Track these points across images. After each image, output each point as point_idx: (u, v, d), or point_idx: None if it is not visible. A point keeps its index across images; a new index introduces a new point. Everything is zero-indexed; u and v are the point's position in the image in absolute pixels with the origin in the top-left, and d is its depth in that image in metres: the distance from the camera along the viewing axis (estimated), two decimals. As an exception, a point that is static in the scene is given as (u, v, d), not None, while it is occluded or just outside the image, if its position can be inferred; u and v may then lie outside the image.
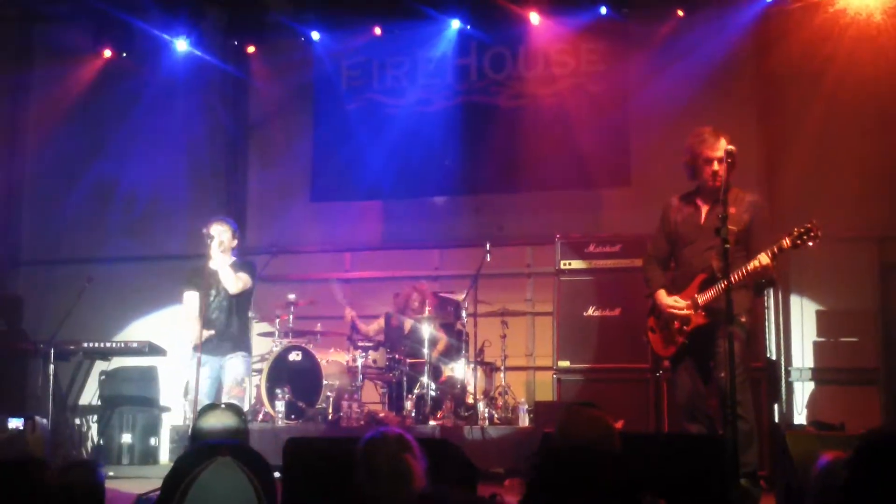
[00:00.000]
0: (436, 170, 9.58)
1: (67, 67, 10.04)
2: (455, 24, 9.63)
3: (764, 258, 5.12)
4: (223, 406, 3.96)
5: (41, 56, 10.38)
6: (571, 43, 9.50)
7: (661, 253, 5.76)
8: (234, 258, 7.00)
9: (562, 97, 9.51)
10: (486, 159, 9.59)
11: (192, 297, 6.85)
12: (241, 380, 6.92)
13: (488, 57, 9.81)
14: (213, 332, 6.78)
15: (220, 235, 6.88)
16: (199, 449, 3.15)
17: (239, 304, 6.93)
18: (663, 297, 5.58)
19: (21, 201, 10.25)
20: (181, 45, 9.79)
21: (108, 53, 9.93)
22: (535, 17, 9.40)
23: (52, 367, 7.72)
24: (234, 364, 6.86)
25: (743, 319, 5.26)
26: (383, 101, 9.98)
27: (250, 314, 7.31)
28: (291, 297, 8.30)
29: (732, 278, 4.91)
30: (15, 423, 5.37)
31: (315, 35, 9.91)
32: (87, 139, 10.04)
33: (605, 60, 9.44)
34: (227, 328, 6.86)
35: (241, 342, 6.96)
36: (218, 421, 3.81)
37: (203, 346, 6.57)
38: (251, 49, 10.09)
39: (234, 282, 6.82)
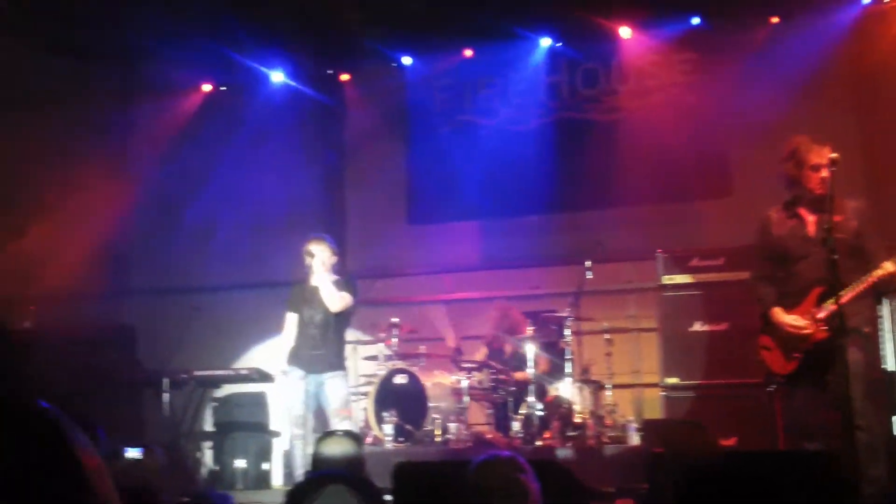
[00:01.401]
0: (531, 188, 9.57)
1: (169, 102, 10.35)
2: (545, 42, 9.65)
3: (890, 265, 4.96)
4: (340, 433, 4.01)
5: (143, 92, 10.70)
6: (663, 55, 9.42)
7: (766, 271, 5.62)
8: (335, 276, 7.01)
9: (656, 109, 9.43)
10: (581, 175, 9.55)
11: (291, 319, 6.97)
12: (347, 400, 6.98)
13: (580, 73, 9.79)
14: (312, 350, 6.82)
15: (320, 253, 6.90)
16: (311, 478, 3.21)
17: (339, 323, 6.96)
18: (780, 315, 5.42)
19: (129, 233, 10.54)
20: (277, 76, 10.02)
21: (207, 87, 10.22)
22: (625, 32, 9.36)
23: (166, 395, 7.91)
24: (336, 384, 6.86)
25: (866, 330, 5.11)
26: (476, 121, 10.03)
27: (358, 336, 7.37)
28: (395, 320, 8.37)
29: (854, 288, 4.78)
30: (132, 453, 5.51)
31: (407, 60, 10.04)
32: (190, 171, 10.30)
33: (699, 70, 9.34)
34: (325, 346, 6.87)
35: (340, 361, 6.98)
36: (336, 448, 3.86)
37: (301, 362, 6.71)
38: (345, 77, 10.27)
39: (337, 300, 6.81)
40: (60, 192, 10.03)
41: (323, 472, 3.13)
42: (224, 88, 10.24)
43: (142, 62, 10.59)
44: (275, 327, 9.15)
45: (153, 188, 10.45)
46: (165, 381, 7.90)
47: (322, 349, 6.87)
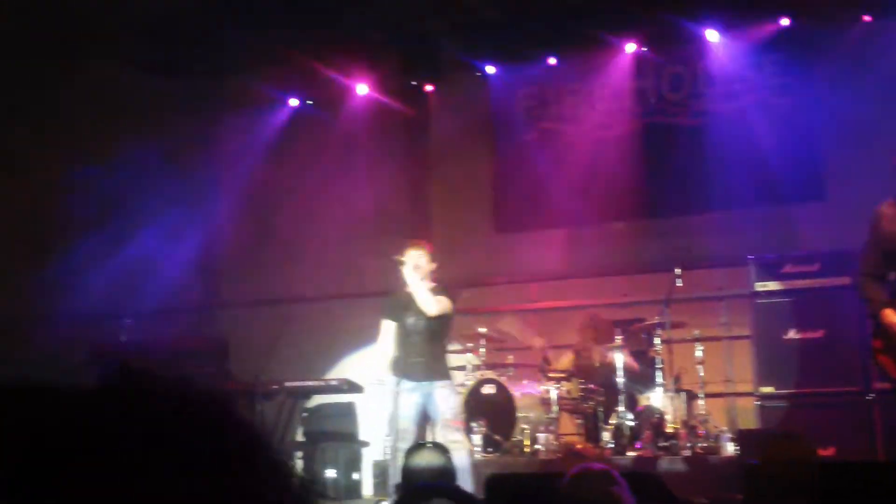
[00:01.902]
0: (618, 195, 9.47)
1: (257, 117, 10.51)
2: (630, 47, 9.55)
3: None
4: (430, 445, 4.00)
5: (230, 107, 10.89)
6: (752, 57, 9.24)
7: (878, 269, 5.44)
8: (432, 284, 6.82)
9: (745, 112, 9.25)
10: (669, 181, 9.43)
11: (388, 327, 6.82)
12: (458, 411, 6.78)
13: (666, 77, 9.67)
14: (417, 357, 6.67)
15: (417, 259, 6.74)
16: (414, 491, 3.21)
17: (441, 330, 6.81)
18: (892, 316, 5.26)
19: (220, 247, 10.74)
20: (362, 88, 10.11)
21: (294, 102, 10.37)
22: (712, 35, 9.21)
23: (258, 406, 8.02)
24: (445, 395, 6.68)
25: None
26: (561, 129, 9.98)
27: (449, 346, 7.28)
28: (482, 329, 8.36)
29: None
30: None
31: (490, 69, 10.03)
32: (279, 184, 10.44)
33: (789, 72, 9.14)
34: (429, 353, 6.71)
35: (446, 370, 6.83)
36: (425, 460, 3.85)
37: (407, 371, 6.56)
38: (429, 87, 10.31)
39: (433, 302, 6.60)
40: (154, 207, 10.28)
41: (427, 485, 3.12)
42: (310, 102, 10.37)
43: (226, 76, 10.80)
44: (363, 337, 9.25)
45: (244, 202, 10.62)
46: (257, 393, 7.99)
47: (426, 356, 6.70)
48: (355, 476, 8.55)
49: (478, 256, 9.93)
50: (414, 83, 10.30)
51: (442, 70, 10.22)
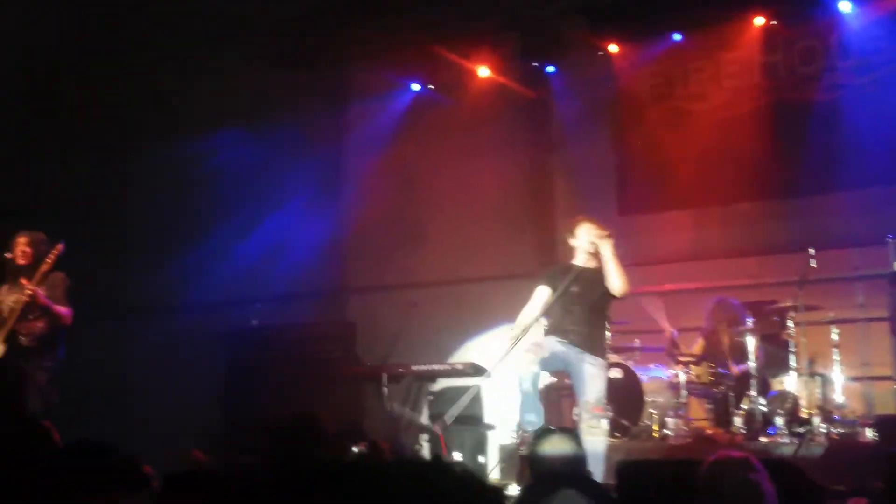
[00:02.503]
0: (748, 174, 9.21)
1: (380, 104, 10.60)
2: (759, 20, 9.25)
3: None
4: (560, 431, 3.95)
5: (355, 96, 11.01)
6: (887, 27, 8.84)
7: None
8: (595, 263, 6.67)
9: (881, 85, 8.86)
10: (801, 159, 9.10)
11: (542, 293, 6.70)
12: (602, 396, 6.49)
13: (797, 51, 9.33)
14: (575, 326, 6.52)
15: (588, 234, 6.68)
16: (543, 480, 3.18)
17: (604, 307, 6.71)
18: None
19: (346, 232, 10.88)
20: (483, 72, 10.08)
21: (416, 87, 10.42)
22: (845, 5, 8.85)
23: (385, 390, 8.11)
24: (594, 375, 6.47)
25: None
26: (688, 107, 9.74)
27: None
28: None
29: None
30: (357, 449, 5.59)
31: (613, 48, 9.86)
32: (402, 169, 10.51)
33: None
34: (589, 326, 6.57)
35: (602, 349, 6.65)
36: (555, 447, 3.80)
37: (564, 335, 6.47)
38: (551, 69, 10.21)
39: (624, 282, 6.49)
40: (283, 194, 10.49)
41: (555, 474, 3.08)
42: (432, 87, 10.41)
43: (351, 65, 10.92)
44: (488, 321, 9.27)
45: (370, 187, 10.73)
46: (385, 376, 8.09)
47: (586, 327, 6.57)
48: (481, 459, 8.57)
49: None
50: (535, 65, 10.21)
51: (564, 51, 10.11)
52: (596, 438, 6.21)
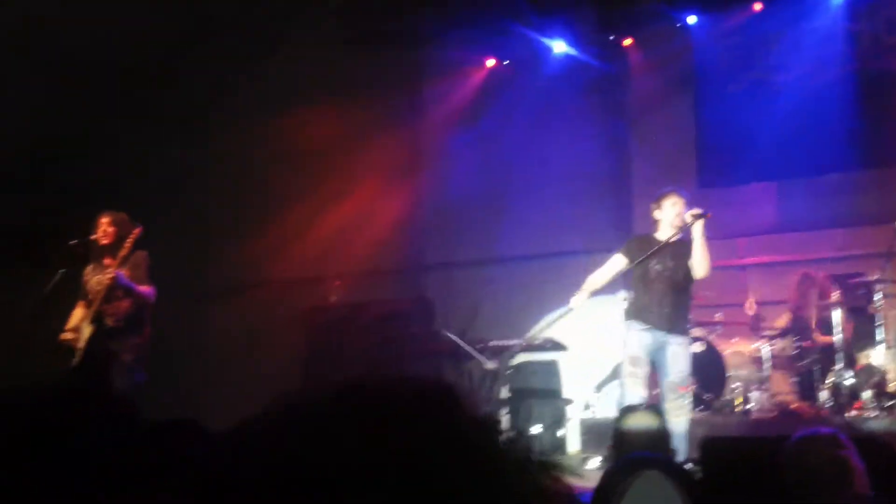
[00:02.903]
0: (832, 145, 9.00)
1: (455, 81, 10.59)
2: (843, -12, 9.02)
3: None
4: (644, 409, 3.91)
5: (430, 74, 11.02)
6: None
7: None
8: (680, 235, 6.44)
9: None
10: (889, 129, 8.87)
11: (617, 263, 6.52)
12: (687, 375, 6.31)
13: (882, 19, 9.07)
14: (659, 307, 6.30)
15: (674, 207, 6.46)
16: (625, 462, 3.15)
17: (688, 282, 6.45)
18: None
19: (424, 210, 10.91)
20: (559, 46, 10.00)
21: (491, 63, 10.38)
22: (935, -32, 8.58)
23: (464, 365, 8.15)
24: (678, 354, 6.29)
25: None
26: (769, 78, 9.54)
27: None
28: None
29: None
30: None
31: (691, 19, 9.70)
32: (478, 146, 10.48)
33: None
34: (671, 304, 6.33)
35: (685, 326, 6.43)
36: (639, 424, 3.76)
37: (643, 316, 6.29)
38: (628, 42, 10.08)
39: (707, 266, 6.31)
40: (360, 173, 10.57)
41: (637, 456, 3.05)
42: (507, 63, 10.36)
43: (426, 43, 10.92)
44: (565, 296, 9.22)
45: (444, 165, 10.74)
46: (464, 352, 8.12)
47: (667, 307, 6.33)
48: (560, 433, 8.56)
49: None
50: (612, 38, 10.09)
51: (640, 23, 9.96)
52: (680, 419, 6.10)
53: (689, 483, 3.07)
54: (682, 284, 6.42)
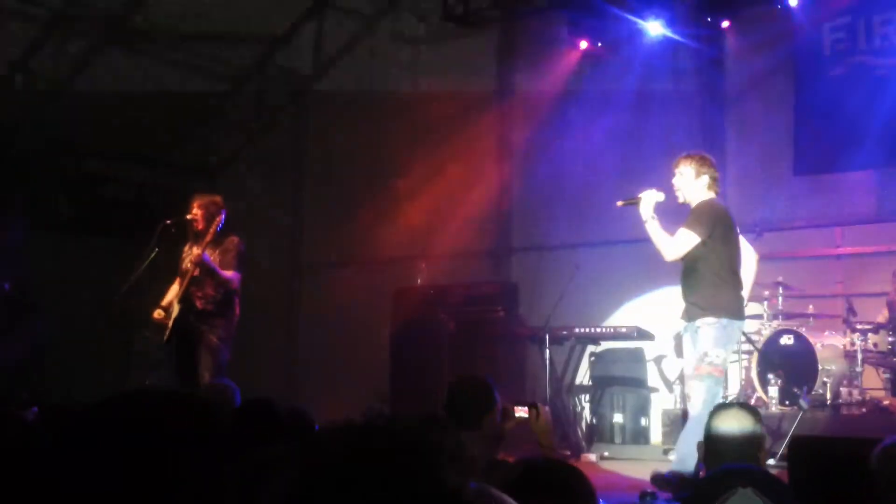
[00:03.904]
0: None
1: (547, 63, 10.48)
2: (954, -32, 8.66)
3: None
4: (738, 406, 3.79)
5: (522, 55, 10.93)
6: None
7: None
8: (693, 203, 5.89)
9: None
10: None
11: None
12: (704, 354, 5.60)
13: None
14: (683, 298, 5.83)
15: (681, 175, 5.93)
16: (716, 476, 3.05)
17: (702, 256, 5.74)
18: None
19: (512, 193, 10.87)
20: (654, 27, 9.80)
21: (584, 45, 10.24)
22: None
23: (547, 351, 8.12)
24: (703, 334, 5.65)
25: None
26: (873, 62, 9.22)
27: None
28: (779, 278, 8.00)
29: None
30: (520, 412, 5.50)
31: (793, 1, 9.41)
32: (568, 131, 10.36)
33: None
34: (687, 288, 5.81)
35: (709, 303, 5.68)
36: (732, 425, 3.64)
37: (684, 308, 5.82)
38: (725, 24, 9.84)
39: (671, 248, 5.75)
40: (452, 155, 10.57)
41: (733, 468, 2.93)
42: (600, 45, 10.20)
43: (518, 23, 10.83)
44: (649, 284, 9.12)
45: (534, 150, 10.66)
46: (546, 338, 8.09)
47: (684, 293, 5.84)
48: (643, 422, 8.49)
49: (776, 199, 9.40)
50: (709, 19, 9.85)
51: (739, 4, 9.72)
52: (693, 401, 5.62)
53: (785, 500, 2.97)
54: (696, 259, 5.77)
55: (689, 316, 5.76)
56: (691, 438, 4.97)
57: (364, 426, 1.38)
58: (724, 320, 5.63)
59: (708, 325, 5.63)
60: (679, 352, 6.20)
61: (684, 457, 5.30)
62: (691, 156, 6.02)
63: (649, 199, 5.88)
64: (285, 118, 12.43)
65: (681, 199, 5.94)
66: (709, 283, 5.72)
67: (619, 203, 6.13)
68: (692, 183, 5.90)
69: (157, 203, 10.63)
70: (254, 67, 11.65)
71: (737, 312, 5.75)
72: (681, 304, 5.91)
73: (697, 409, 5.44)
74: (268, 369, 11.05)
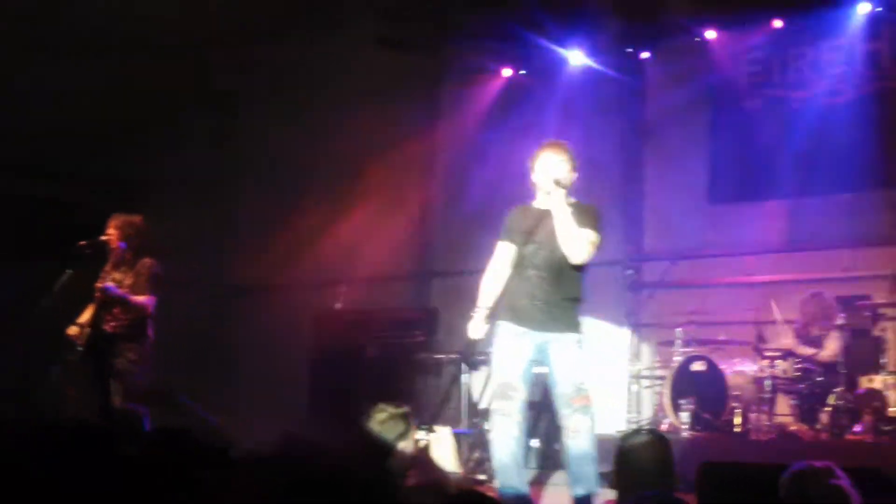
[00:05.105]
0: (846, 164, 8.97)
1: (472, 90, 10.59)
2: (863, 7, 8.97)
3: None
4: (649, 432, 3.85)
5: (448, 81, 11.02)
6: None
7: None
8: (572, 199, 5.36)
9: None
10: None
11: (505, 250, 5.44)
12: (581, 383, 5.11)
13: (903, 40, 9.04)
14: (531, 300, 5.21)
15: (554, 166, 5.31)
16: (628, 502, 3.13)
17: (570, 266, 5.22)
18: None
19: (434, 218, 10.93)
20: (576, 56, 9.99)
21: (507, 72, 10.38)
22: (955, -10, 8.55)
23: (464, 376, 8.16)
24: (569, 359, 5.12)
25: None
26: (786, 95, 9.51)
27: (652, 320, 6.22)
28: (693, 305, 8.20)
29: None
30: (421, 436, 5.42)
31: (711, 34, 9.68)
32: (491, 158, 10.45)
33: None
34: (550, 294, 5.20)
35: (571, 320, 5.22)
36: (644, 451, 3.70)
37: (516, 314, 5.23)
38: (645, 55, 10.08)
39: (579, 247, 5.14)
40: (373, 180, 10.59)
41: (643, 497, 3.00)
42: (524, 73, 10.36)
43: (446, 49, 10.93)
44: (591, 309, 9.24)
45: (458, 172, 10.74)
46: (465, 363, 8.13)
47: (544, 299, 5.20)
48: (556, 446, 8.56)
49: (691, 228, 9.65)
50: (630, 50, 10.08)
51: (659, 37, 9.95)
52: (579, 440, 5.12)
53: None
54: (560, 269, 5.22)
55: (557, 326, 5.27)
56: None
57: (286, 458, 1.42)
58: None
59: (579, 344, 5.29)
60: (500, 355, 5.44)
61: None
62: (565, 144, 5.57)
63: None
64: (210, 138, 12.34)
65: (556, 191, 5.28)
66: (577, 297, 5.35)
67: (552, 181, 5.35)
68: (569, 175, 5.42)
69: (80, 223, 10.44)
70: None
71: None
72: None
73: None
74: (186, 393, 10.92)
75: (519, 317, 5.29)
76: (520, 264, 5.37)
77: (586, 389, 5.18)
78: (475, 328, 5.39)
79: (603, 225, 5.45)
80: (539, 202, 5.48)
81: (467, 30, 10.27)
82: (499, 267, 5.49)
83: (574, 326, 5.29)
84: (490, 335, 5.45)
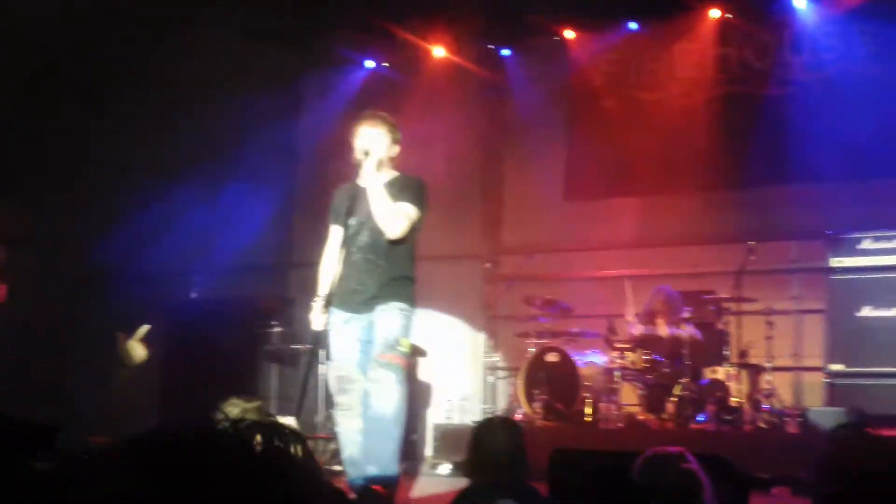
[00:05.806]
0: (696, 164, 9.28)
1: (333, 80, 10.51)
2: (714, 13, 9.31)
3: None
4: (502, 420, 3.87)
5: (311, 71, 10.91)
6: (842, 25, 8.93)
7: None
8: (394, 174, 5.25)
9: (832, 83, 8.95)
10: (749, 151, 9.19)
11: (334, 234, 5.31)
12: (394, 340, 4.93)
13: (751, 45, 9.39)
14: (355, 284, 5.06)
15: (375, 140, 5.13)
16: (480, 489, 3.13)
17: (393, 243, 5.08)
18: None
19: (293, 210, 10.81)
20: (439, 52, 10.05)
21: (370, 64, 10.35)
22: (800, 2, 8.94)
23: (320, 366, 8.09)
24: (385, 318, 4.97)
25: None
26: (641, 96, 9.79)
27: (510, 312, 6.30)
28: (548, 297, 8.34)
29: None
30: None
31: (569, 34, 9.88)
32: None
33: (881, 41, 8.80)
34: (374, 275, 5.04)
35: (396, 291, 5.04)
36: (497, 439, 3.73)
37: (340, 300, 5.10)
38: (506, 52, 10.21)
39: (395, 221, 4.97)
40: (233, 169, 10.40)
41: (495, 483, 3.00)
42: (386, 65, 10.35)
43: (308, 39, 10.82)
44: (429, 301, 9.25)
45: (319, 164, 10.64)
46: (321, 353, 8.07)
47: (368, 281, 5.03)
48: (413, 437, 8.60)
49: (547, 223, 9.84)
50: (492, 47, 10.19)
51: (521, 34, 10.09)
52: (377, 401, 4.85)
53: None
54: (384, 247, 5.07)
55: (384, 296, 5.10)
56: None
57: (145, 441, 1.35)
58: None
59: (400, 311, 5.10)
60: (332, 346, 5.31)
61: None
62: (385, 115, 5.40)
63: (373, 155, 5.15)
64: (68, 127, 11.88)
65: (368, 164, 5.15)
66: (407, 266, 5.23)
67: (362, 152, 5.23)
68: (389, 149, 5.27)
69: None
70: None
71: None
72: None
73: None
74: (36, 387, 10.50)
75: (344, 301, 5.12)
76: (346, 246, 5.18)
77: (399, 351, 4.95)
78: (315, 319, 5.21)
79: (427, 198, 5.27)
80: (360, 179, 5.27)
81: (331, 21, 10.20)
82: (331, 252, 5.31)
83: (400, 297, 5.07)
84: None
